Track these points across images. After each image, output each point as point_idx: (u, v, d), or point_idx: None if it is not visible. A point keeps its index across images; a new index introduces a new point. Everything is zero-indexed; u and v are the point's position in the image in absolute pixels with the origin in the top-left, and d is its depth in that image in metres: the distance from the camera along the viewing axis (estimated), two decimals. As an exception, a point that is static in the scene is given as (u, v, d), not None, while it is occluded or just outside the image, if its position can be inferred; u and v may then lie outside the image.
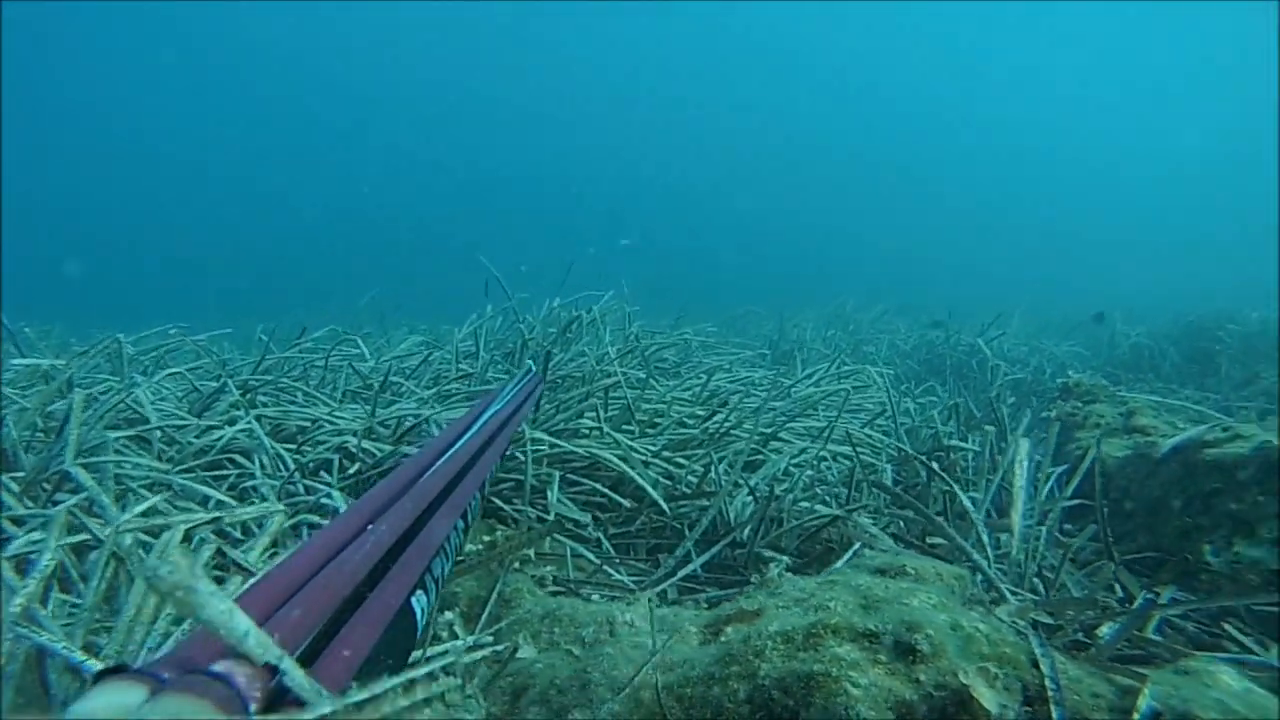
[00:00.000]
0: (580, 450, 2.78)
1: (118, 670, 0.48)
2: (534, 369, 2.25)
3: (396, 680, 0.50)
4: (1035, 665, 1.28)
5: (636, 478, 2.60)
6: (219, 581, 1.84)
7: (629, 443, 2.84)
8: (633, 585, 2.25)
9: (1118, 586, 2.17)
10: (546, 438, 2.82)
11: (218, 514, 1.78)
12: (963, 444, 3.07)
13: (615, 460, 2.69)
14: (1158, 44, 59.27)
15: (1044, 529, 2.24)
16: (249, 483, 2.57)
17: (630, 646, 1.34)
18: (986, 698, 1.05)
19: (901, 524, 2.60)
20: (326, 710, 0.47)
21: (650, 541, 2.65)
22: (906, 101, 64.08)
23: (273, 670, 0.53)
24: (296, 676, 0.53)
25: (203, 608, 0.47)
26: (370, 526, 0.89)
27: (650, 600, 1.59)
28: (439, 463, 1.18)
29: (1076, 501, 2.75)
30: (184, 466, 2.58)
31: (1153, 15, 56.11)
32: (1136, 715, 1.18)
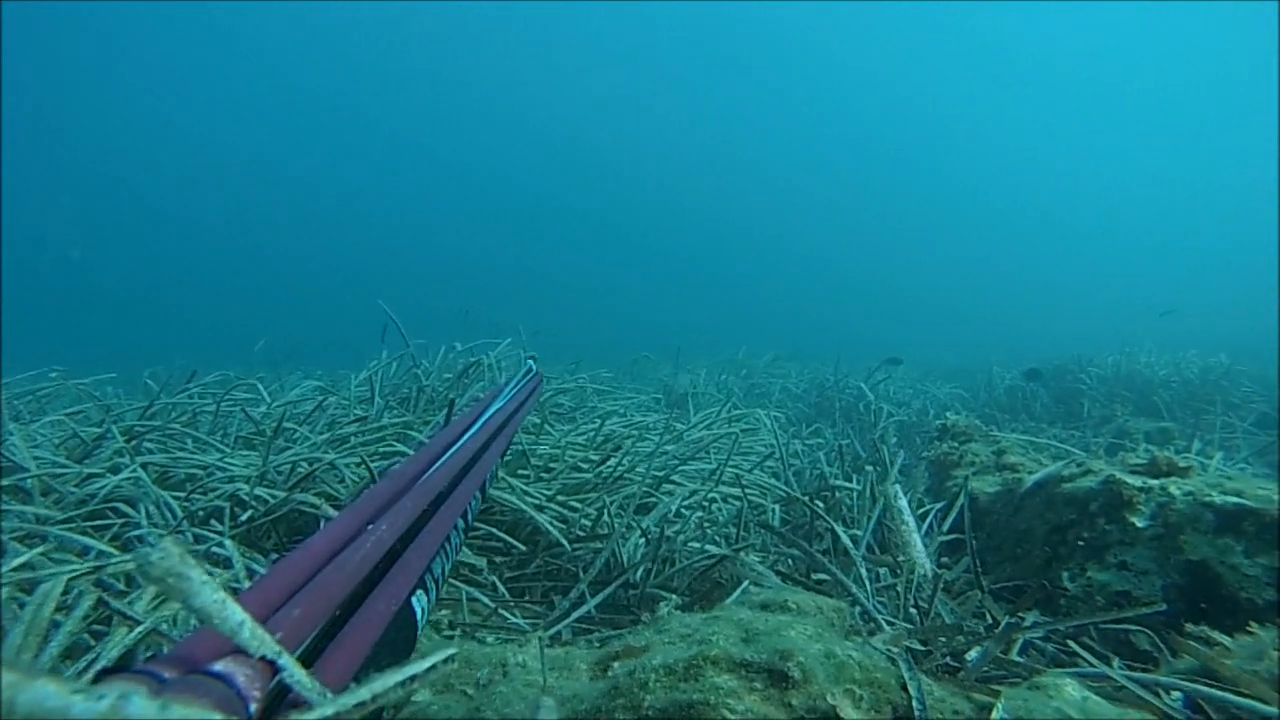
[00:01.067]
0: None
1: (118, 670, 0.47)
2: (534, 367, 2.22)
3: (396, 676, 0.50)
4: (904, 688, 1.38)
5: (537, 518, 2.63)
6: (97, 637, 1.79)
7: (523, 487, 2.88)
8: (528, 628, 2.28)
9: (986, 614, 2.32)
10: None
11: (98, 563, 1.73)
12: (846, 484, 3.22)
13: (514, 501, 2.72)
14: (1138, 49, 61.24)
15: (917, 564, 2.37)
16: (134, 533, 2.49)
17: (522, 685, 1.38)
18: (853, 717, 1.14)
19: (790, 561, 2.71)
20: (330, 712, 0.47)
21: (545, 584, 2.69)
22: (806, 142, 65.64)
23: (273, 669, 0.53)
24: (295, 672, 0.53)
25: (195, 595, 0.47)
26: (370, 526, 0.89)
27: (541, 640, 1.63)
28: (439, 462, 1.18)
29: (953, 536, 2.93)
30: (63, 517, 2.48)
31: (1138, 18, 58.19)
32: (989, 729, 1.29)
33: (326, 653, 0.67)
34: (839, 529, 2.42)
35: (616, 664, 1.41)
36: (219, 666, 0.51)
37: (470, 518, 1.24)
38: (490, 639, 2.05)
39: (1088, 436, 5.29)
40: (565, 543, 2.59)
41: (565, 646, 1.80)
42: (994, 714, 1.32)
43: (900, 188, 61.59)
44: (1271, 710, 1.58)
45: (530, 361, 2.72)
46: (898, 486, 2.19)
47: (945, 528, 2.96)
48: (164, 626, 1.91)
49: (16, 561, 1.76)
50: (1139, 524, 2.44)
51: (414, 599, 0.85)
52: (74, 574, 1.65)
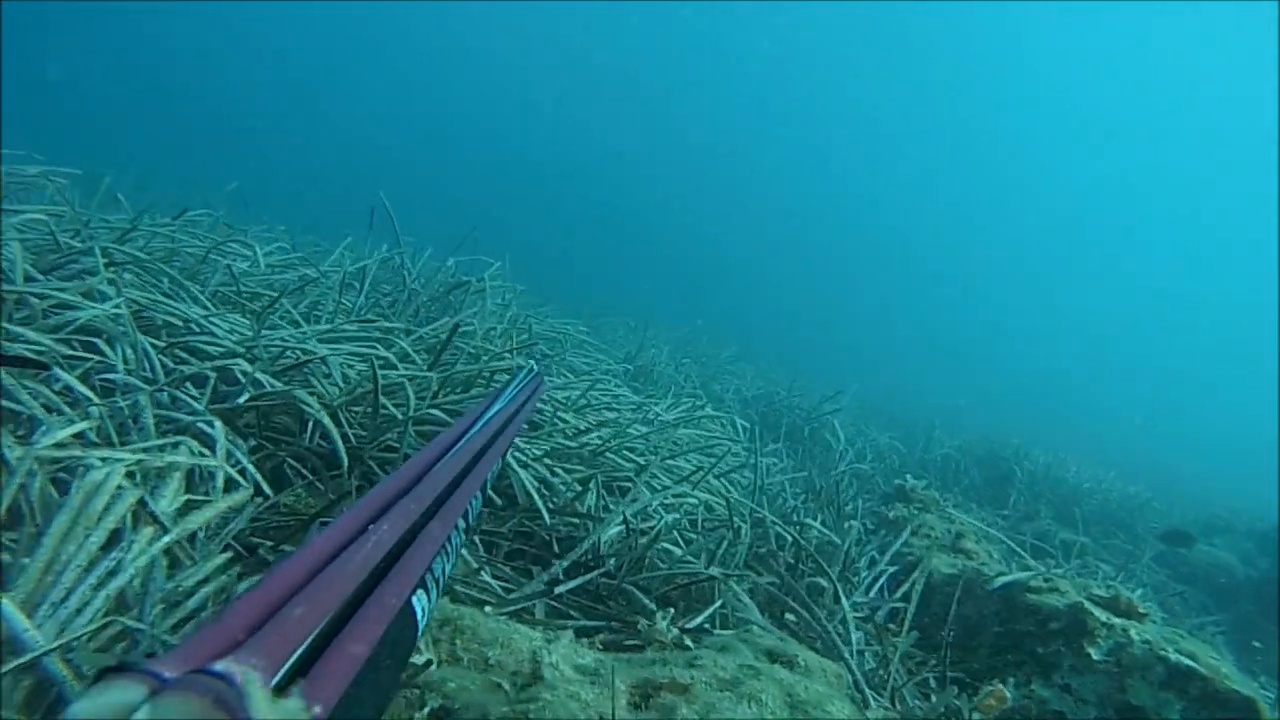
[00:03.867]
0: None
1: (118, 669, 0.47)
2: (535, 367, 2.20)
3: None
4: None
5: (525, 481, 2.56)
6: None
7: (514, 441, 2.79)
8: (500, 591, 2.22)
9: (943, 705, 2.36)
10: (436, 413, 2.73)
11: (141, 455, 1.57)
12: (815, 524, 3.24)
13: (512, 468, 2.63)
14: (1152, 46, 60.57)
15: (902, 641, 2.39)
16: (108, 375, 2.31)
17: (567, 696, 1.32)
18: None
19: (750, 589, 2.71)
20: None
21: (513, 545, 2.62)
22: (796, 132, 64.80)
23: (274, 669, 0.54)
24: None
25: None
26: (372, 526, 0.87)
27: (572, 642, 1.57)
28: (441, 462, 1.16)
29: (902, 604, 2.98)
30: (35, 339, 2.28)
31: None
32: None
33: (327, 652, 0.65)
34: (840, 590, 2.42)
35: (664, 695, 1.37)
36: (220, 666, 0.51)
37: (471, 519, 1.23)
38: (488, 608, 1.97)
39: (1012, 526, 5.49)
40: (546, 514, 2.52)
41: (577, 644, 1.74)
42: None
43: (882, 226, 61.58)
44: None
45: (532, 363, 2.71)
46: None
47: (899, 595, 3.01)
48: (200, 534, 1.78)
49: (65, 431, 1.59)
50: (1095, 656, 2.52)
51: (414, 599, 0.85)
52: (122, 462, 1.47)
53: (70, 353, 2.36)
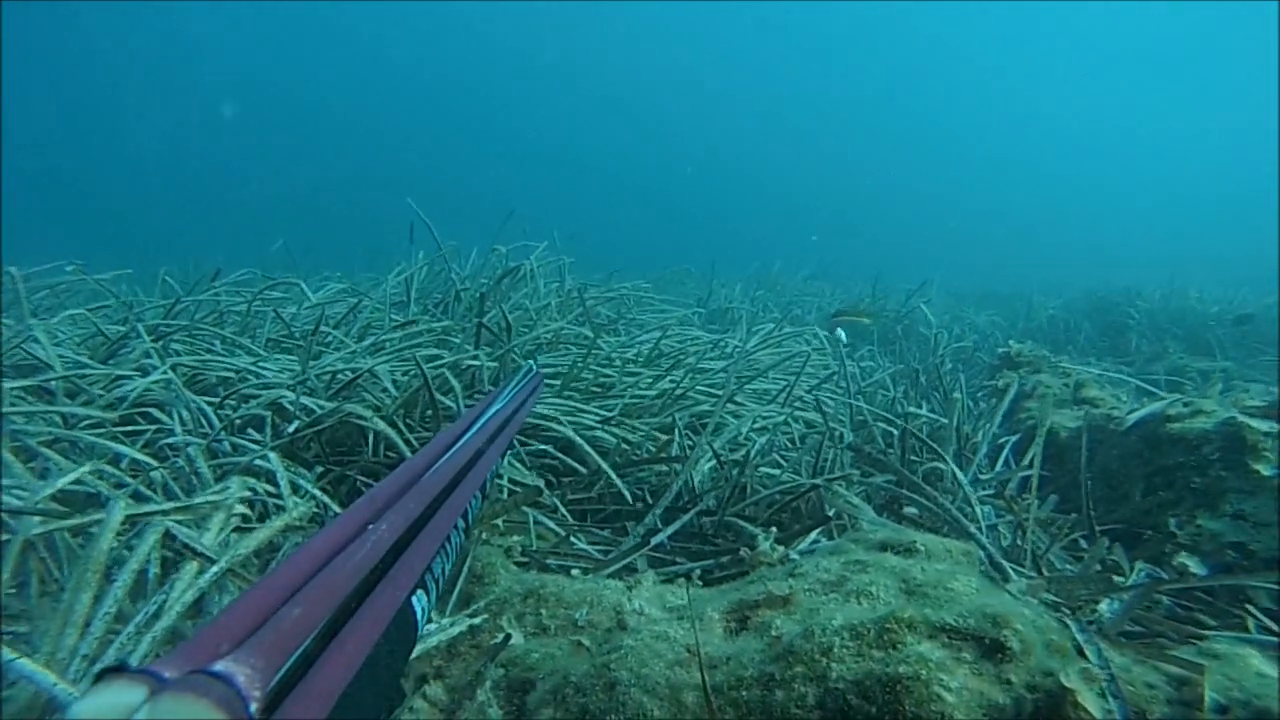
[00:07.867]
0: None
1: (118, 670, 0.47)
2: (534, 367, 2.13)
3: None
4: (1081, 653, 1.20)
5: (584, 446, 2.45)
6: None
7: (578, 406, 2.69)
8: (598, 555, 2.11)
9: (1098, 560, 2.14)
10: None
11: (168, 505, 1.49)
12: (921, 411, 3.03)
13: (565, 430, 2.52)
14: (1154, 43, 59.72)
15: (1033, 504, 2.18)
16: (167, 439, 2.30)
17: (652, 638, 1.19)
18: (1091, 703, 0.96)
19: (865, 492, 2.53)
20: None
21: (609, 508, 2.51)
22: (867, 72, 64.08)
23: (273, 669, 0.54)
24: None
25: None
26: (371, 526, 0.89)
27: (657, 583, 1.45)
28: (440, 462, 1.20)
29: (1029, 472, 2.75)
30: (92, 421, 2.28)
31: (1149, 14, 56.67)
32: (1205, 712, 1.10)
33: (327, 652, 0.67)
34: (950, 462, 2.23)
35: (762, 613, 1.23)
36: (220, 666, 0.51)
37: (470, 518, 1.26)
38: (575, 571, 1.86)
39: (1138, 371, 5.09)
40: (613, 474, 2.39)
41: (666, 585, 1.62)
42: (1205, 695, 1.14)
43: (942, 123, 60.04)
44: None
45: (531, 363, 2.65)
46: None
47: (1027, 461, 2.78)
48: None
49: (65, 479, 1.55)
50: (1265, 471, 2.24)
51: (414, 599, 0.87)
52: (135, 512, 1.40)
53: (128, 428, 2.37)
